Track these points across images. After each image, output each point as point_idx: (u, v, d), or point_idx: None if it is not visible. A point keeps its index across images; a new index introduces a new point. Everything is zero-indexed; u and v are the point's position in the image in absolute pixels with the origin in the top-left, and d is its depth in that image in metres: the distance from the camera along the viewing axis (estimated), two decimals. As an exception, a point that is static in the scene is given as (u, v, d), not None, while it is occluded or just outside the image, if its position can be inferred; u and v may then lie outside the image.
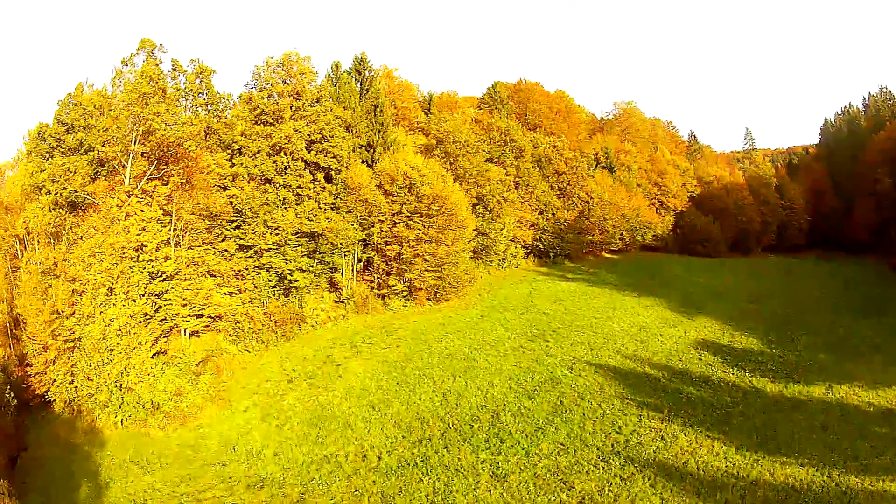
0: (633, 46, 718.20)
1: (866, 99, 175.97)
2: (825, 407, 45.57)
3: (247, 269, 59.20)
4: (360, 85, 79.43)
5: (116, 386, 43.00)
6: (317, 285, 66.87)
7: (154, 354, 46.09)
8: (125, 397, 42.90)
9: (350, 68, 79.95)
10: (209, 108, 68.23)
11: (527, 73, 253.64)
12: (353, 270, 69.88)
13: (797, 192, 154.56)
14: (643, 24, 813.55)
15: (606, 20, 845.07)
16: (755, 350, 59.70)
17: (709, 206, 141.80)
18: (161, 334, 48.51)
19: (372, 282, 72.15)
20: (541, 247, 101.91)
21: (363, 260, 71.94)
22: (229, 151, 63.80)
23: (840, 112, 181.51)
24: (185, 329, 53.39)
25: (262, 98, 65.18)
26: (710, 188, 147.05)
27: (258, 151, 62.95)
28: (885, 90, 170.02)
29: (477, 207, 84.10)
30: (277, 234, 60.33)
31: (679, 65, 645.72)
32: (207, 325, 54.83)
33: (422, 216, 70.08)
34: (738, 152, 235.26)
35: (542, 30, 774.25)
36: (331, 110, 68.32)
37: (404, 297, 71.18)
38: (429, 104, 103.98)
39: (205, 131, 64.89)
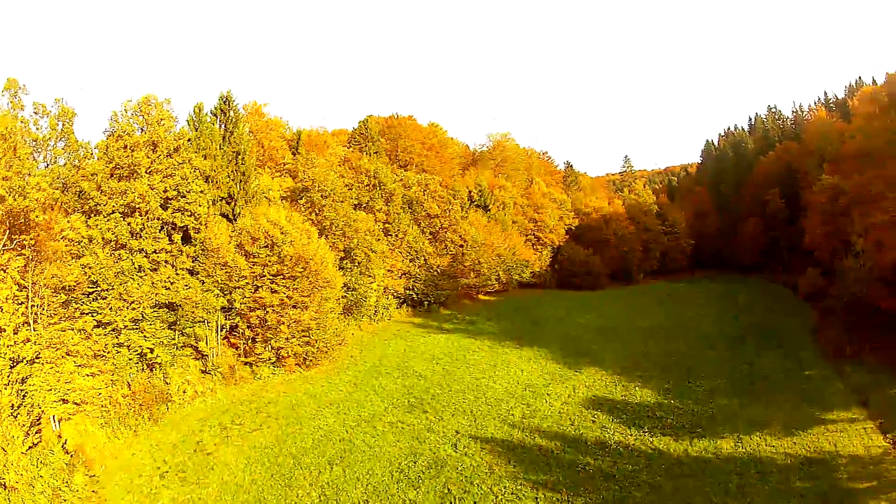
0: (508, 75, 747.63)
1: (752, 120, 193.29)
2: (738, 464, 47.48)
3: (106, 348, 61.41)
4: (224, 127, 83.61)
5: (1, 485, 45.10)
6: (182, 356, 69.75)
7: (28, 448, 48.45)
8: (11, 497, 45.24)
9: (215, 108, 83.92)
10: (69, 156, 70.06)
11: (401, 105, 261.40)
12: (217, 339, 73.78)
13: (679, 216, 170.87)
14: (516, 53, 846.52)
15: (481, 50, 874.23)
16: (652, 403, 63.00)
17: (588, 237, 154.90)
18: (30, 425, 50.50)
19: (238, 347, 76.10)
20: (414, 296, 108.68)
21: (227, 326, 74.77)
22: (87, 209, 65.74)
23: (724, 134, 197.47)
24: (54, 416, 55.45)
25: (118, 149, 66.36)
26: (588, 219, 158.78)
27: (112, 212, 64.77)
28: (774, 110, 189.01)
29: (344, 262, 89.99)
30: (134, 309, 62.89)
31: (553, 92, 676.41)
32: (73, 412, 56.74)
33: (285, 278, 74.63)
34: (615, 175, 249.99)
35: (418, 60, 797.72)
36: (189, 161, 71.02)
37: (272, 363, 75.77)
38: (297, 143, 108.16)
39: (62, 184, 66.87)
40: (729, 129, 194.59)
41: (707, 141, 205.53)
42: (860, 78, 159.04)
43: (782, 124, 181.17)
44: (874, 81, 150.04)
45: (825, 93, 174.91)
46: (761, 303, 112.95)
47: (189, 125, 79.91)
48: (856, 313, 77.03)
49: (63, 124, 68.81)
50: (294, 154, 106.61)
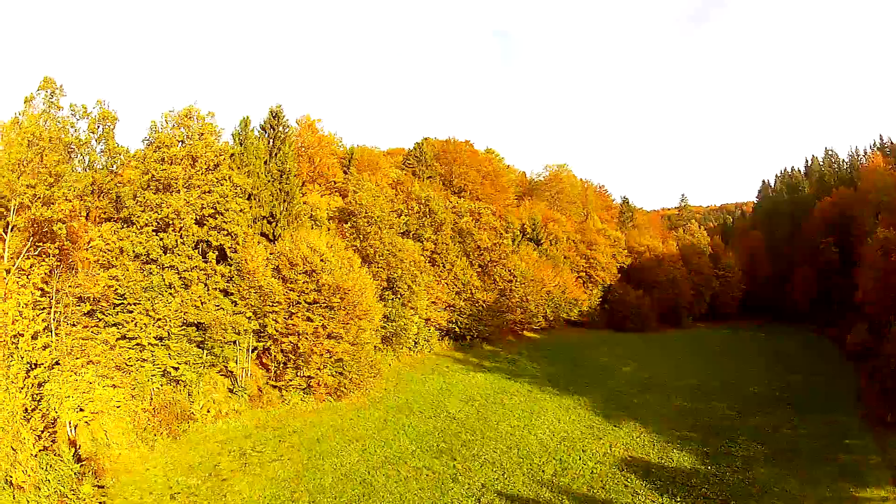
0: (569, 105, 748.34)
1: (809, 162, 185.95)
2: (767, 546, 44.23)
3: (129, 361, 59.66)
4: (272, 142, 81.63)
5: (7, 482, 43.99)
6: (210, 373, 67.64)
7: (39, 451, 46.96)
8: (17, 496, 43.97)
9: (263, 122, 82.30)
10: (107, 161, 68.60)
11: (458, 128, 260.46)
12: (248, 359, 71.60)
13: (733, 261, 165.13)
14: (579, 85, 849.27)
15: (544, 78, 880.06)
16: (688, 468, 58.80)
17: (639, 277, 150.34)
18: (44, 428, 48.95)
19: (269, 370, 73.71)
20: (457, 329, 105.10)
21: (259, 348, 72.67)
22: (121, 217, 64.24)
23: (780, 175, 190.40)
24: (69, 421, 53.73)
25: (155, 161, 64.18)
26: (641, 258, 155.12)
27: (145, 224, 62.74)
28: (831, 153, 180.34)
29: (386, 292, 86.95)
30: (160, 327, 60.58)
31: (613, 123, 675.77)
32: (90, 419, 55.23)
33: (322, 307, 71.66)
34: (671, 209, 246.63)
35: (478, 84, 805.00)
36: (229, 178, 68.31)
37: (302, 390, 72.61)
38: (349, 161, 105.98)
39: (97, 189, 65.38)
40: (785, 170, 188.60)
41: (763, 181, 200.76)
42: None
43: (838, 168, 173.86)
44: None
45: (880, 136, 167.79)
46: (809, 359, 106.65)
47: (234, 139, 77.96)
48: (901, 379, 71.45)
49: (103, 128, 66.92)
50: (345, 172, 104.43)
